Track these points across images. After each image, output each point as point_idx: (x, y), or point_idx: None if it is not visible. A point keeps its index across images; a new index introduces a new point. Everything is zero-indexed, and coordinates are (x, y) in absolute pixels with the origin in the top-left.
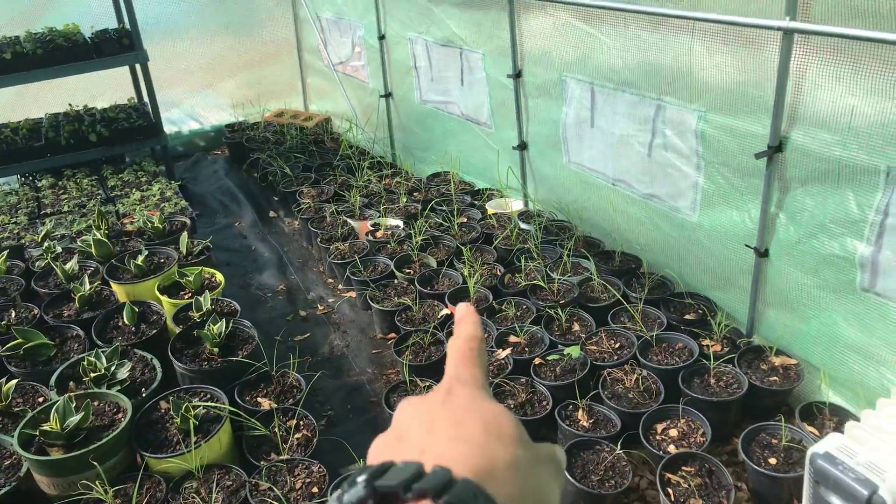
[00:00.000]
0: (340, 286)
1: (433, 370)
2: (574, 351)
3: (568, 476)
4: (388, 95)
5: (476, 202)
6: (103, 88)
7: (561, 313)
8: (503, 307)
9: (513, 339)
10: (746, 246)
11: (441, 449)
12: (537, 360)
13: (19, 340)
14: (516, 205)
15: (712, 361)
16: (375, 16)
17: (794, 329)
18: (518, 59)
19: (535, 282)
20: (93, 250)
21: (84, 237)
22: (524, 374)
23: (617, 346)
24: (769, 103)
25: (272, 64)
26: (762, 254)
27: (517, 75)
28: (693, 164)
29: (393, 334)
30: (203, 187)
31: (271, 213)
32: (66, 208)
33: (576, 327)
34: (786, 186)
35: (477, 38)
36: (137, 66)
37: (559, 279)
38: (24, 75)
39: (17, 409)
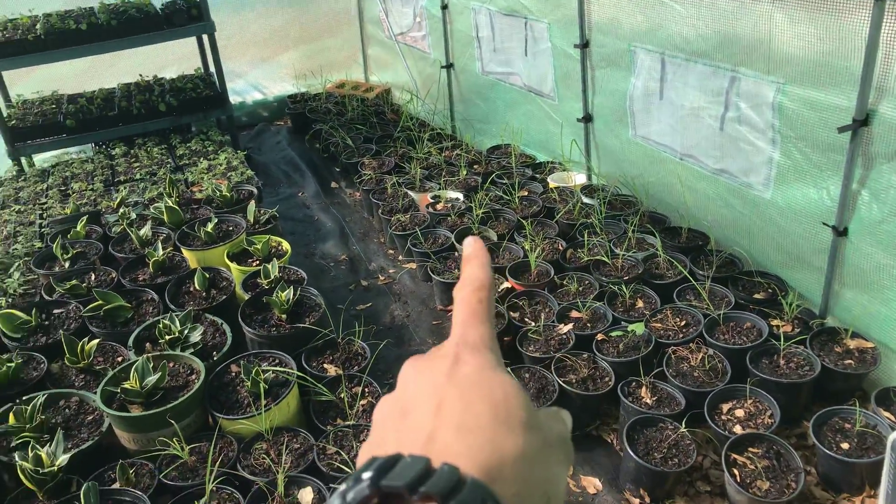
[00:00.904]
0: (401, 257)
1: None
2: (638, 328)
3: (630, 452)
4: (449, 66)
5: (537, 175)
6: (172, 59)
7: (625, 289)
8: (565, 282)
9: (575, 314)
10: (823, 224)
11: (449, 440)
12: (600, 336)
13: (100, 302)
14: (579, 179)
15: (782, 342)
16: None
17: (872, 311)
18: (585, 29)
19: (598, 257)
20: (165, 217)
21: (156, 204)
22: (586, 349)
23: (682, 323)
24: (856, 75)
25: (334, 35)
26: (840, 233)
27: (584, 45)
28: (768, 139)
29: (452, 307)
30: (267, 157)
31: (333, 184)
32: (138, 176)
33: (640, 304)
34: (870, 162)
35: (543, 7)
36: (205, 37)
37: (623, 255)
38: (99, 46)
39: (98, 368)
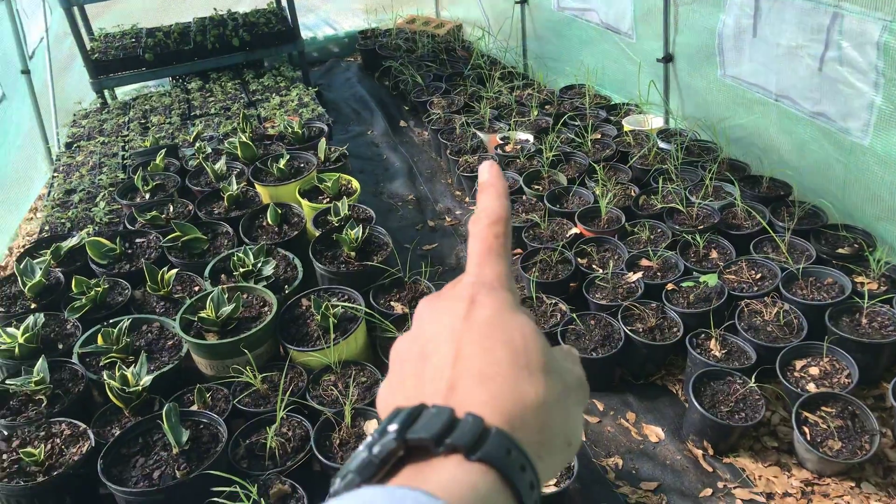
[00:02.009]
0: (468, 199)
1: (559, 288)
2: (710, 279)
3: (696, 403)
4: (523, 2)
5: (612, 118)
6: None
7: (699, 239)
8: (636, 229)
9: (645, 262)
10: None
11: (470, 388)
12: (670, 286)
13: (178, 233)
14: (656, 122)
15: (866, 300)
16: None
17: None
18: None
19: (672, 205)
20: (238, 152)
21: (230, 139)
22: (655, 299)
23: (758, 276)
24: None
25: None
26: None
27: None
28: (870, 81)
29: (519, 250)
30: (337, 94)
31: (402, 123)
32: (212, 111)
33: (714, 255)
34: None
35: None
36: None
37: (699, 203)
38: None
39: (177, 296)
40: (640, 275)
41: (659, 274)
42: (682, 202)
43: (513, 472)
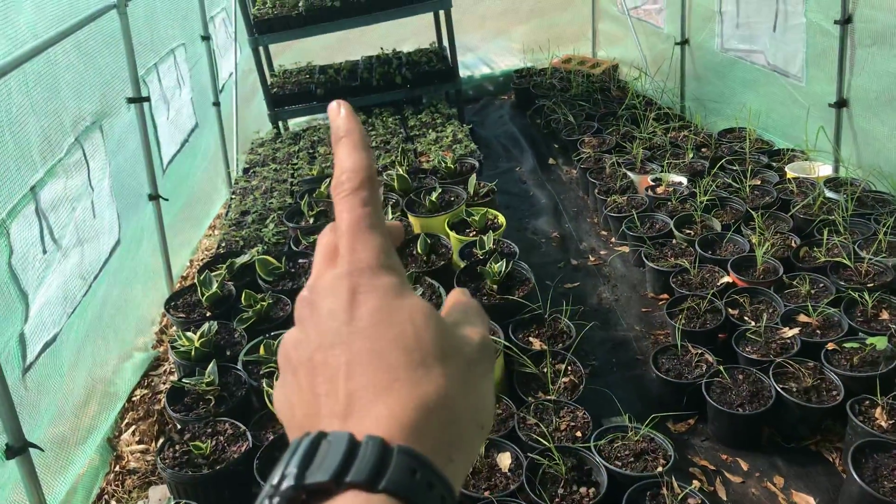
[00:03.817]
0: (614, 239)
1: (706, 338)
2: (879, 342)
3: (855, 475)
4: (683, 42)
5: (773, 163)
6: (410, 32)
7: (867, 297)
8: (795, 282)
9: (803, 318)
10: None
11: (366, 403)
12: (831, 346)
13: None
14: (823, 170)
15: None
16: None
17: None
18: (849, 3)
19: (837, 259)
20: (395, 184)
21: (388, 171)
22: (813, 358)
23: None
24: None
25: (564, 10)
26: None
27: (846, 21)
28: None
29: (665, 295)
30: (489, 131)
31: (550, 161)
32: (373, 144)
33: (884, 315)
34: None
35: None
36: (441, 12)
37: (869, 259)
38: (350, 20)
39: None
40: (796, 331)
41: (818, 332)
42: (849, 256)
43: (419, 495)
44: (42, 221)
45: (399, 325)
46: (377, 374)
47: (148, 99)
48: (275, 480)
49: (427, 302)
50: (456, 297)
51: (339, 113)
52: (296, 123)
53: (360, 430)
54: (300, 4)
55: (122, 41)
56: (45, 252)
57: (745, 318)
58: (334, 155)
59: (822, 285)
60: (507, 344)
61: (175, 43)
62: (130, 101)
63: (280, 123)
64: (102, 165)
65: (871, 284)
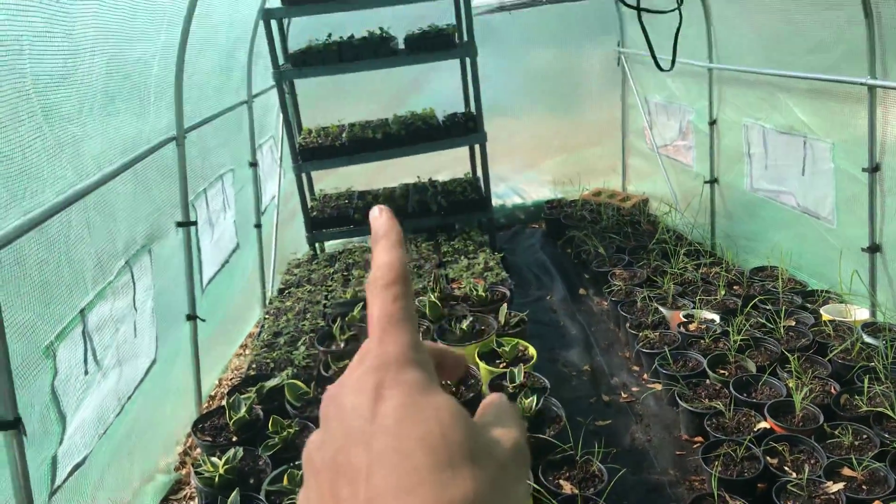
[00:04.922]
0: (646, 376)
1: (744, 488)
2: None
3: None
4: (713, 181)
5: (808, 304)
6: (445, 161)
7: None
8: (837, 433)
9: (847, 472)
10: None
11: None
12: (877, 503)
13: None
14: (860, 314)
15: None
16: (708, 101)
17: None
18: (876, 152)
19: (880, 409)
20: (427, 310)
21: (420, 297)
22: None
23: None
24: None
25: (595, 144)
26: None
27: (874, 169)
28: None
29: (700, 438)
30: (520, 258)
31: (581, 291)
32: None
33: None
34: None
35: (826, 126)
36: (477, 146)
37: None
38: (390, 152)
39: None
40: (841, 485)
41: (864, 487)
42: (892, 407)
43: None
44: (87, 343)
45: (425, 422)
46: (400, 476)
47: (195, 223)
48: None
49: (455, 400)
50: (491, 398)
51: (379, 216)
52: (331, 245)
53: None
54: (343, 135)
55: (177, 169)
56: (86, 373)
57: (786, 467)
58: (372, 254)
59: (865, 436)
60: (536, 486)
61: (224, 169)
62: (179, 224)
63: (317, 245)
64: (147, 287)
65: None
